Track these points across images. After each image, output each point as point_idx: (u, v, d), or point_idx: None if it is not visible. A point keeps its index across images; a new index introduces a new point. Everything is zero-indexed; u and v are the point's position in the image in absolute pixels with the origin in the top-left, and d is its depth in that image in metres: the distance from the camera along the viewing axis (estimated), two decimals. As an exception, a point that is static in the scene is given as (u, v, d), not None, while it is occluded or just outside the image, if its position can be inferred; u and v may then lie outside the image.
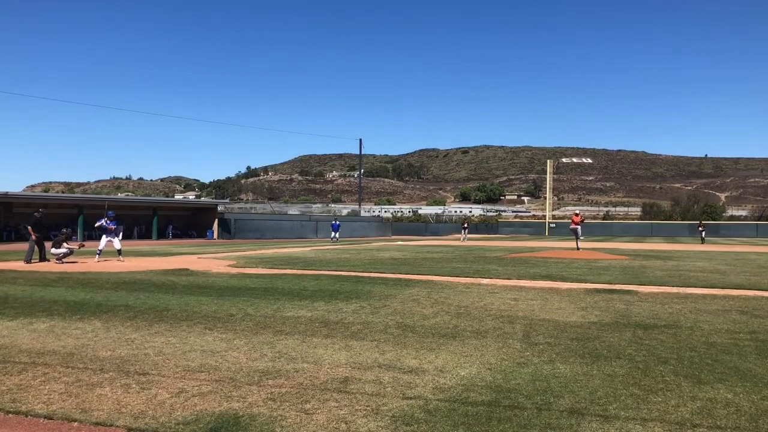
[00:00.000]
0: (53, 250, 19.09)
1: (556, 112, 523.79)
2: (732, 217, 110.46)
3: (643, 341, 7.12)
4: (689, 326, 8.14)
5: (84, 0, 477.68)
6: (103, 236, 20.58)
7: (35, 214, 20.35)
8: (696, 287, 13.15)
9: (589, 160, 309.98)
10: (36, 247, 19.41)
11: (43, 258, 19.34)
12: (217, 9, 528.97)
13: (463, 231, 50.95)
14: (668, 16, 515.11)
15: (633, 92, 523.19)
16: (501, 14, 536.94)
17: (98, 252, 20.28)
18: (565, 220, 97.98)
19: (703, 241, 48.91)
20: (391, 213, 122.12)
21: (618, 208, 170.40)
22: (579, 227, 29.38)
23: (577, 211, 34.99)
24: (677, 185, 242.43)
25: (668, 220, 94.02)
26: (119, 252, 20.46)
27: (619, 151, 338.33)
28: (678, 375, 5.56)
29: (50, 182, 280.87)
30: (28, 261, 18.83)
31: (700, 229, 51.15)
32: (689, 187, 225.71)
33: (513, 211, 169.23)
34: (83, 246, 20.66)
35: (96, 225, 21.78)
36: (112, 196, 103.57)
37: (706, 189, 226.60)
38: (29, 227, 19.84)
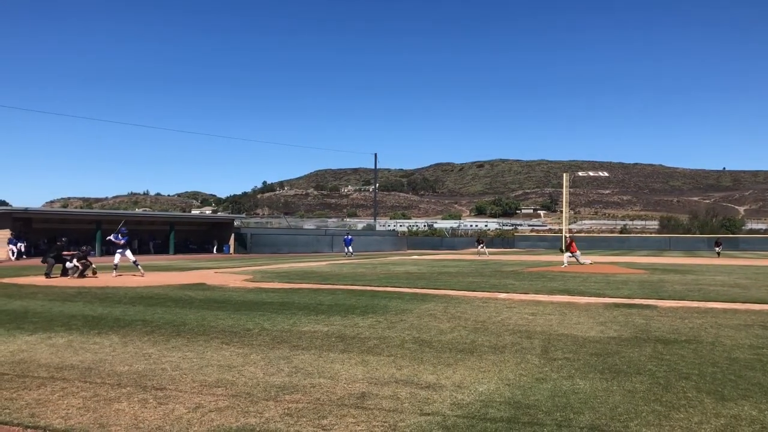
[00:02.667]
0: (69, 264, 19.48)
1: (571, 126, 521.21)
2: (751, 231, 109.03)
3: (664, 357, 7.02)
4: (710, 341, 8.01)
5: (98, 11, 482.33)
6: (117, 251, 20.82)
7: (57, 243, 21.41)
8: (716, 302, 12.95)
9: (606, 174, 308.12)
10: (56, 263, 19.86)
11: (64, 273, 19.66)
12: (233, 29, 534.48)
13: (478, 246, 50.65)
14: (686, 28, 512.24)
15: (649, 105, 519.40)
16: (516, 28, 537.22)
17: (114, 266, 20.46)
18: (582, 234, 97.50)
19: (719, 255, 48.08)
20: (407, 227, 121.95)
21: (635, 222, 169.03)
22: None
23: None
24: (695, 199, 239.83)
25: (686, 234, 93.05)
26: (135, 263, 20.60)
27: (636, 164, 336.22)
28: (700, 391, 5.47)
29: (69, 197, 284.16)
30: (48, 275, 19.21)
31: (717, 249, 49.84)
32: (707, 201, 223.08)
33: (529, 225, 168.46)
34: (96, 274, 20.43)
35: (107, 239, 22.15)
36: (129, 212, 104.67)
37: (724, 202, 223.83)
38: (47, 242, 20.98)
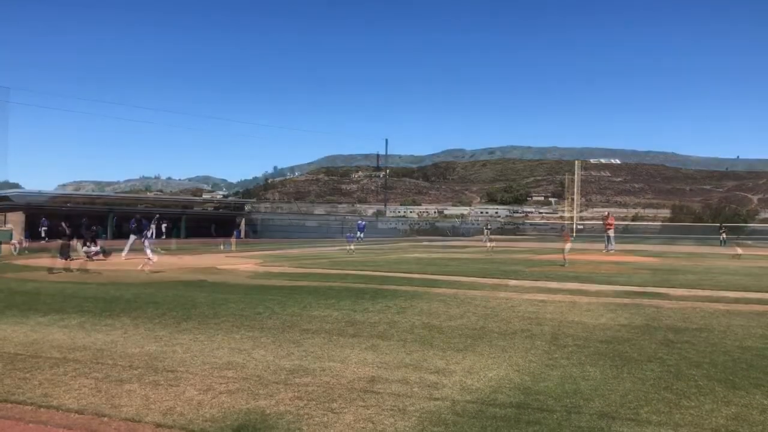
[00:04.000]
0: (84, 249, 19.62)
1: (583, 114, 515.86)
2: (765, 220, 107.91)
3: (675, 345, 6.98)
4: (722, 330, 7.95)
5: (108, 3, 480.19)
6: (145, 242, 21.08)
7: (60, 229, 21.55)
8: (728, 290, 12.84)
9: (617, 161, 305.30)
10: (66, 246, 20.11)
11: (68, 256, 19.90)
12: (242, 11, 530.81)
13: (486, 232, 50.60)
14: (697, 16, 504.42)
15: (663, 93, 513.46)
16: (527, 19, 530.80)
17: (125, 251, 20.72)
18: (593, 222, 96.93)
19: (722, 243, 46.25)
20: (417, 213, 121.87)
21: (647, 210, 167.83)
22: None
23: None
24: (707, 187, 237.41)
25: (698, 223, 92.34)
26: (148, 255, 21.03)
27: (648, 152, 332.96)
28: (711, 379, 5.43)
29: (81, 181, 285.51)
30: (62, 258, 19.44)
31: (722, 235, 47.95)
32: (720, 189, 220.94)
33: (540, 212, 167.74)
34: (108, 255, 20.82)
35: (144, 233, 22.23)
36: (141, 195, 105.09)
37: (737, 191, 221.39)
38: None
